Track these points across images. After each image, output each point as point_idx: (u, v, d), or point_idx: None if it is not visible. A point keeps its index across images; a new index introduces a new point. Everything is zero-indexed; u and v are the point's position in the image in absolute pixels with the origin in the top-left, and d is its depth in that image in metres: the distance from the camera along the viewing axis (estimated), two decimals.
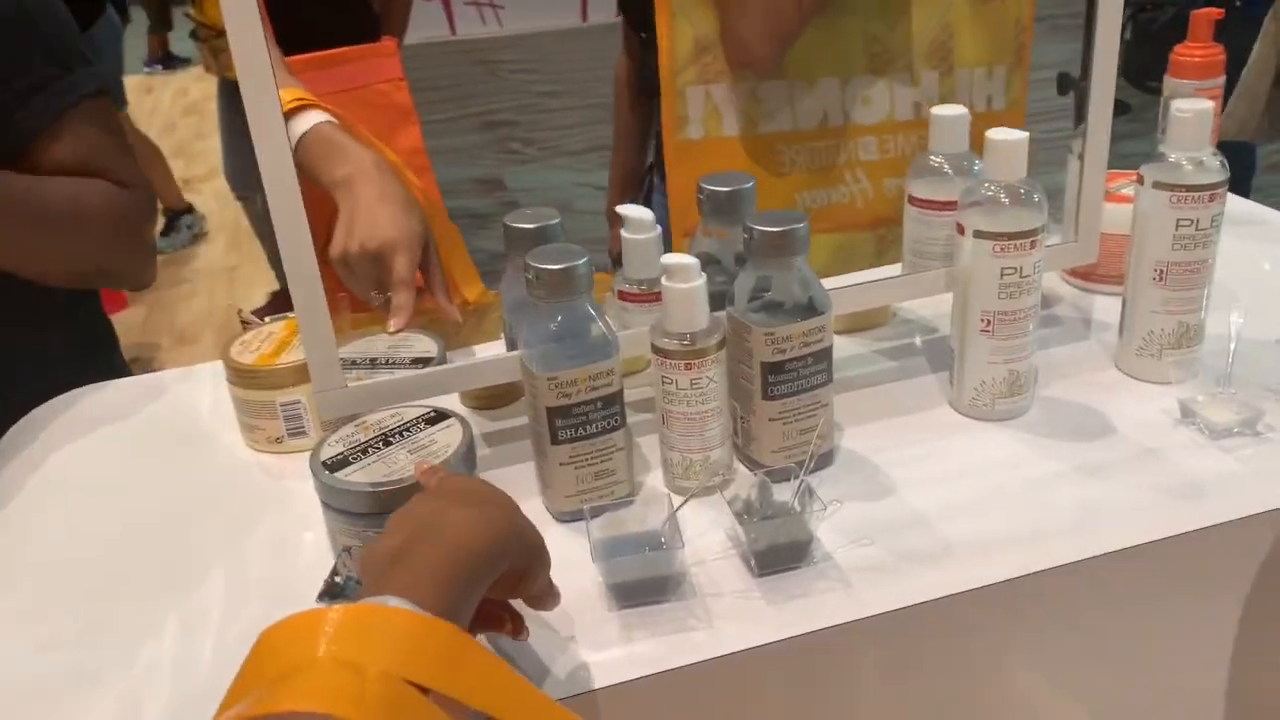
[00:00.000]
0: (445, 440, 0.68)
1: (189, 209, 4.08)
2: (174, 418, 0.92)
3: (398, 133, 1.05)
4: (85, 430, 0.92)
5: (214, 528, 0.76)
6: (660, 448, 0.75)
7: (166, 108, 5.99)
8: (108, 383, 0.99)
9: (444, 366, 0.77)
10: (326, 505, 0.66)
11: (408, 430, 0.70)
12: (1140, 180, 0.79)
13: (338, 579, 0.63)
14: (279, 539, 0.75)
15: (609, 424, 0.71)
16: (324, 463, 0.67)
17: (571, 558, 0.70)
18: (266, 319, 0.90)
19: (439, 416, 0.71)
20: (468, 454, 0.68)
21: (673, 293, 0.70)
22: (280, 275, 3.68)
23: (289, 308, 2.78)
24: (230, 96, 3.00)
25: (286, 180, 0.67)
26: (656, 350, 0.71)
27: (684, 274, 0.70)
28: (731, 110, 0.93)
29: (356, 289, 0.85)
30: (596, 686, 0.60)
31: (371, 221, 0.83)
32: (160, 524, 0.78)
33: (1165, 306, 0.80)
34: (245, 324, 0.90)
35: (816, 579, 0.66)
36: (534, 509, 0.75)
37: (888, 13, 0.95)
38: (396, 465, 0.66)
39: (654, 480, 0.77)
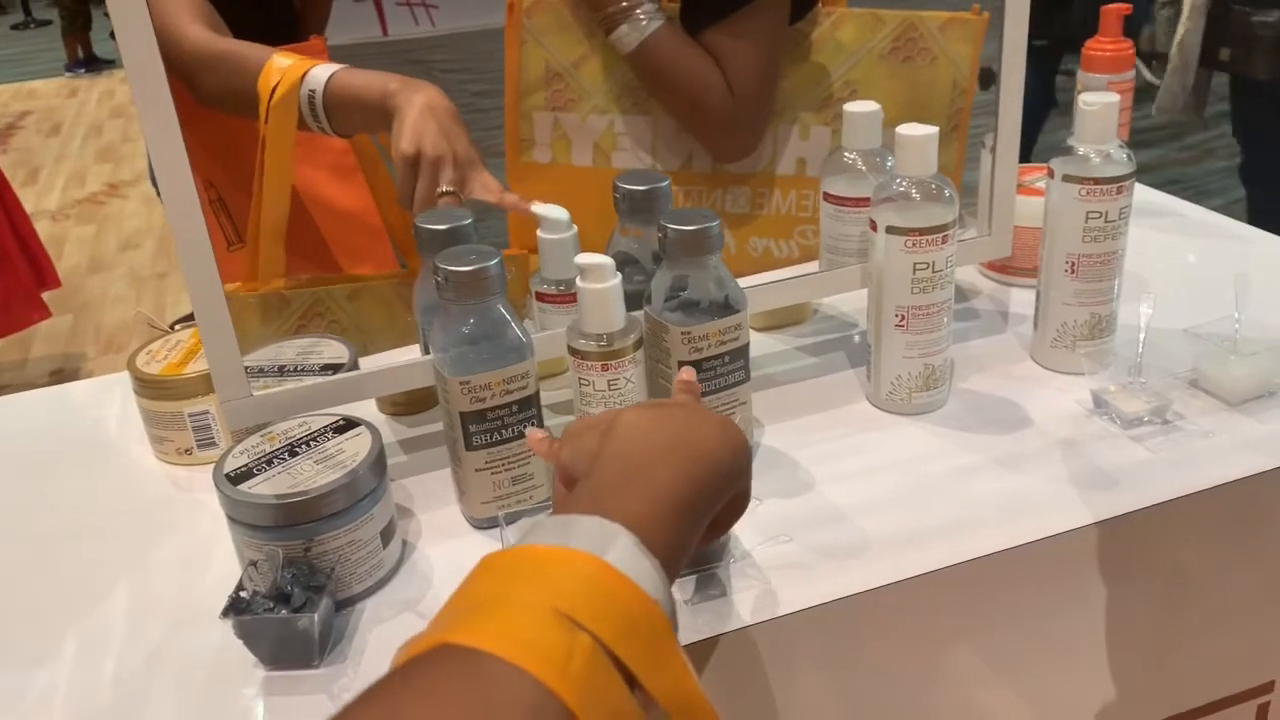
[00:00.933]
0: (353, 449, 0.67)
1: None
2: (82, 430, 0.89)
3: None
4: (22, 442, 0.89)
5: (118, 543, 0.74)
6: None
7: (92, 110, 5.85)
8: (13, 396, 0.96)
9: (355, 373, 0.76)
10: (231, 519, 0.64)
11: (315, 439, 0.68)
12: (1050, 174, 0.80)
13: (243, 594, 0.62)
14: (186, 554, 0.72)
15: (524, 428, 0.70)
16: (227, 475, 0.65)
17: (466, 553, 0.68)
18: (177, 326, 0.88)
19: (348, 425, 0.69)
20: (376, 462, 0.66)
21: (587, 293, 0.69)
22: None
23: None
24: None
25: (182, 179, 0.65)
26: (573, 351, 0.70)
27: (598, 274, 0.69)
28: (584, 140, 0.92)
29: (422, 188, 0.85)
30: None
31: (441, 122, 0.83)
32: (62, 541, 0.75)
33: (1077, 298, 0.81)
34: (154, 328, 0.87)
35: (735, 578, 0.66)
36: (452, 516, 0.73)
37: (788, 56, 0.93)
38: (301, 476, 0.64)
39: None
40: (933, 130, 0.74)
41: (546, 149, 0.93)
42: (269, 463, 0.66)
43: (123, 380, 0.94)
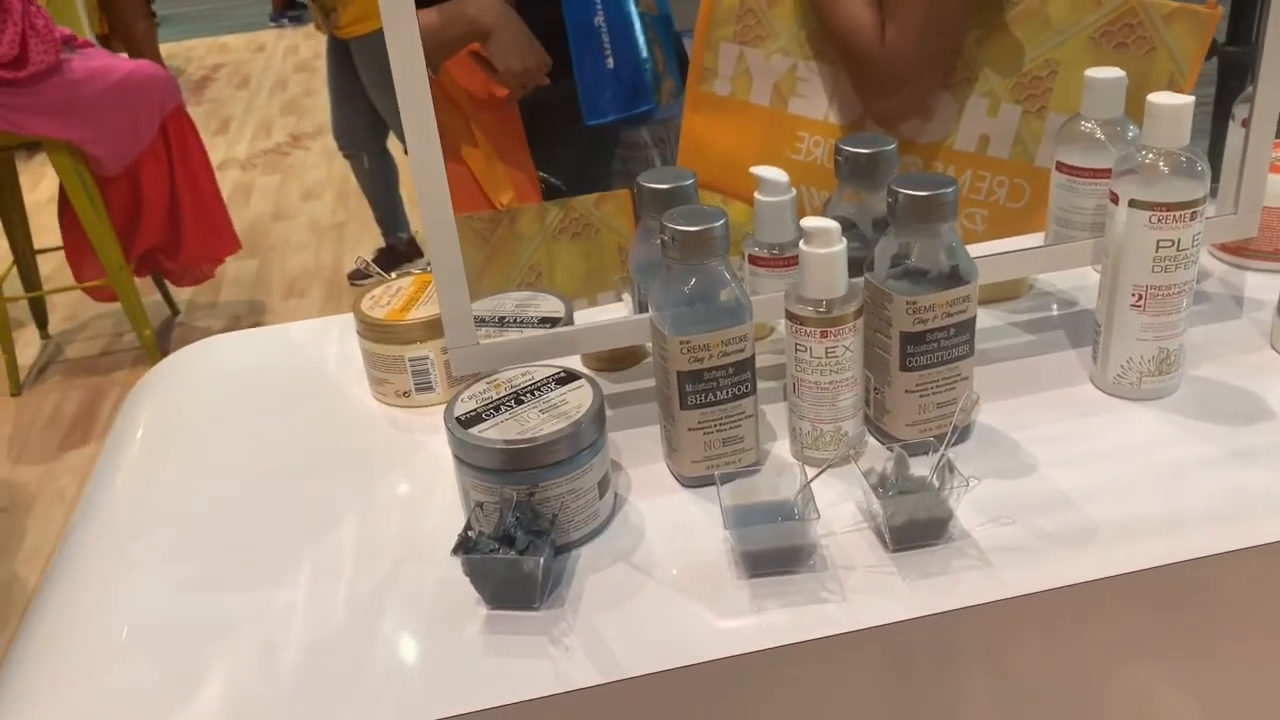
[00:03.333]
0: (576, 400, 0.68)
1: None
2: (303, 369, 0.93)
3: None
4: (217, 380, 0.94)
5: (344, 478, 0.78)
6: (789, 416, 0.74)
7: (278, 65, 6.12)
8: (237, 333, 1.02)
9: (573, 327, 0.77)
10: (460, 460, 0.67)
11: (539, 389, 0.69)
12: None
13: (470, 534, 0.64)
14: (408, 492, 0.76)
15: (739, 390, 0.70)
16: (458, 419, 0.67)
17: (698, 523, 0.69)
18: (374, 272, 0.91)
19: (569, 377, 0.71)
20: (598, 415, 0.67)
21: (811, 258, 0.68)
22: (387, 233, 3.72)
23: (393, 266, 2.89)
24: (338, 57, 3.04)
25: (429, 140, 0.67)
26: (791, 316, 0.70)
27: (824, 238, 0.68)
28: (764, 79, 0.90)
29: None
30: (730, 654, 0.59)
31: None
32: (292, 473, 0.79)
33: None
34: (362, 274, 0.91)
35: (954, 556, 0.64)
36: (659, 472, 0.74)
37: (984, 23, 0.89)
38: (529, 424, 0.66)
39: (780, 449, 0.76)
40: (1188, 100, 0.69)
41: (727, 82, 0.91)
42: (496, 409, 0.68)
43: (340, 322, 0.99)
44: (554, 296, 0.83)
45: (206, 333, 3.30)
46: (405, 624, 0.64)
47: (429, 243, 0.70)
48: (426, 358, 0.83)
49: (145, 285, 3.15)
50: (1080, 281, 0.91)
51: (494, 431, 0.66)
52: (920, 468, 0.67)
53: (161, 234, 2.93)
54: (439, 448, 0.79)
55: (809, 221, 0.68)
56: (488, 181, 0.99)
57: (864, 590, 0.62)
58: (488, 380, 0.71)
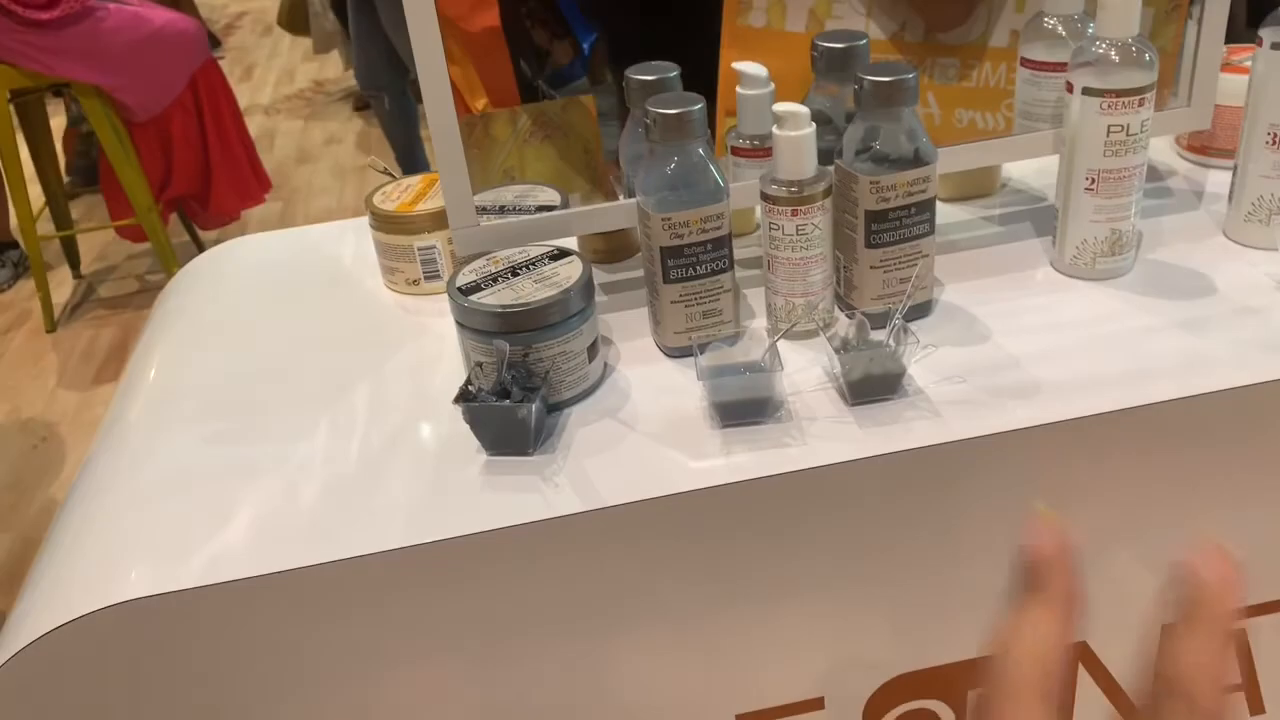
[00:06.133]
0: (567, 273, 0.74)
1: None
2: (321, 266, 1.01)
3: None
4: (242, 274, 1.02)
5: (358, 353, 0.85)
6: (765, 294, 0.80)
7: None
8: (262, 235, 1.09)
9: (566, 210, 0.83)
10: (461, 325, 0.73)
11: (533, 264, 0.76)
12: (1260, 42, 0.79)
13: (470, 387, 0.70)
14: (416, 362, 0.83)
15: (717, 265, 0.76)
16: (459, 288, 0.74)
17: (680, 386, 0.76)
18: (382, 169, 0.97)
19: (561, 254, 0.77)
20: (586, 285, 0.74)
21: (782, 140, 0.74)
22: (407, 172, 3.78)
23: None
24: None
25: (431, 33, 0.73)
26: (765, 198, 0.76)
27: (794, 121, 0.73)
28: (799, 5, 0.93)
29: None
30: (696, 487, 0.66)
31: None
32: (312, 349, 0.87)
33: (1277, 170, 0.80)
34: (386, 174, 0.97)
35: (906, 408, 0.71)
36: (647, 345, 0.81)
37: None
38: (523, 291, 0.72)
39: (757, 325, 0.82)
40: None
41: (762, 13, 0.96)
42: (494, 280, 0.74)
43: (354, 225, 1.06)
44: (551, 188, 0.89)
45: None
46: (413, 466, 0.71)
47: (432, 131, 0.76)
48: (434, 246, 0.90)
49: (174, 229, 3.23)
50: (1049, 179, 0.96)
51: (492, 298, 0.72)
52: (881, 335, 0.73)
53: (193, 184, 3.01)
54: (445, 328, 0.86)
55: (780, 106, 0.74)
56: (465, 88, 1.03)
57: (823, 436, 0.69)
58: (487, 257, 0.78)
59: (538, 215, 0.82)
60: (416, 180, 0.95)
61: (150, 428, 0.80)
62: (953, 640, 0.74)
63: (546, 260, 0.77)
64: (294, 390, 0.81)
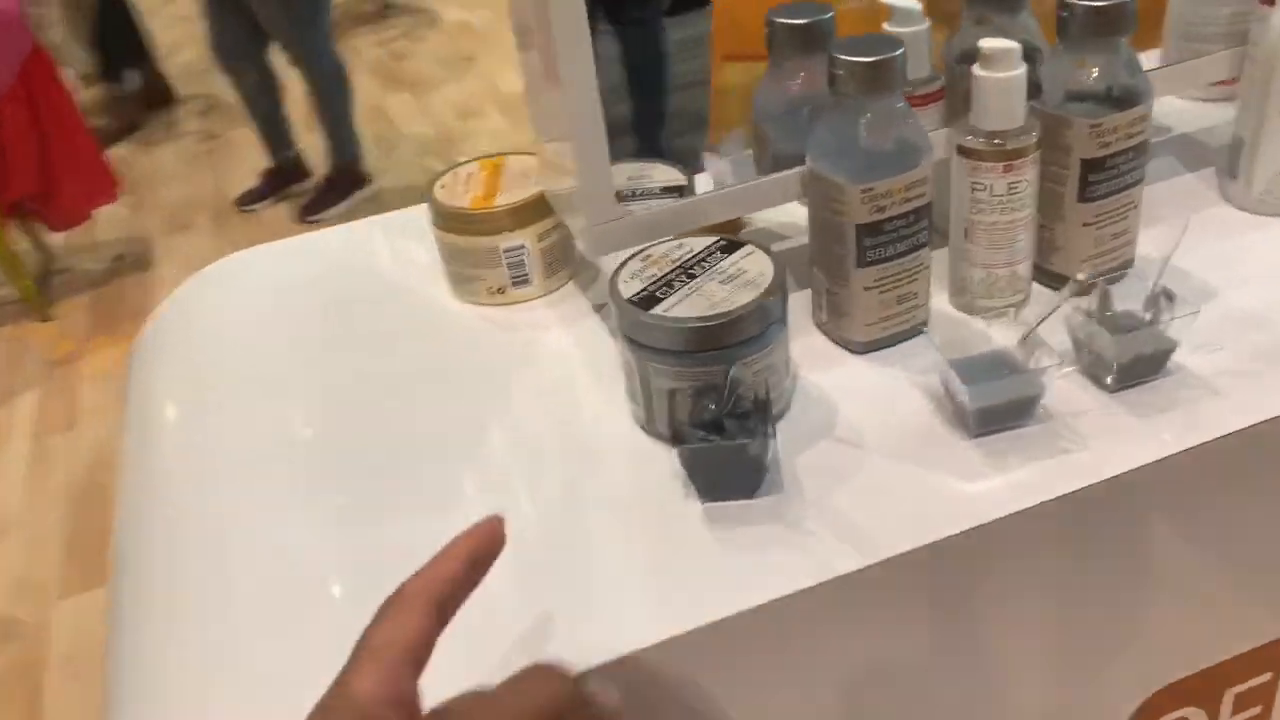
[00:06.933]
0: (756, 268, 0.61)
1: None
2: (359, 278, 0.83)
3: None
4: (258, 302, 0.83)
5: (459, 386, 0.69)
6: (952, 266, 0.69)
7: None
8: (260, 249, 0.90)
9: (728, 188, 0.69)
10: (641, 346, 0.59)
11: (704, 260, 0.62)
12: None
13: (680, 424, 0.57)
14: (542, 390, 0.68)
15: (918, 240, 0.64)
16: (631, 301, 0.59)
17: (887, 389, 0.64)
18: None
19: (732, 245, 0.63)
20: (783, 282, 0.61)
21: (989, 84, 0.62)
22: (274, 151, 3.50)
23: (282, 187, 2.72)
24: None
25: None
26: (967, 153, 0.64)
27: (1004, 60, 0.62)
28: None
29: None
30: (987, 520, 0.54)
31: None
32: (394, 388, 0.70)
33: None
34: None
35: (1177, 388, 0.61)
36: (815, 342, 0.68)
37: None
38: (716, 297, 0.59)
39: (937, 304, 0.71)
40: None
41: None
42: (668, 285, 0.60)
43: (379, 223, 0.89)
44: (663, 164, 0.75)
45: (92, 278, 3.06)
46: (610, 530, 0.57)
47: (565, 98, 0.61)
48: (522, 247, 0.75)
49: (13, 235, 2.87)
50: (1167, 107, 0.88)
51: (683, 308, 0.58)
52: (1124, 302, 0.63)
53: (33, 181, 2.69)
54: (558, 343, 0.71)
55: (987, 43, 0.62)
56: None
57: (1099, 435, 0.58)
58: (641, 258, 0.63)
59: (697, 198, 0.68)
60: (474, 167, 0.79)
61: (229, 518, 0.62)
62: (1228, 637, 0.66)
63: (718, 253, 0.63)
64: (402, 443, 0.65)
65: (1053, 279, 0.69)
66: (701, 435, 0.57)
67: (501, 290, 0.76)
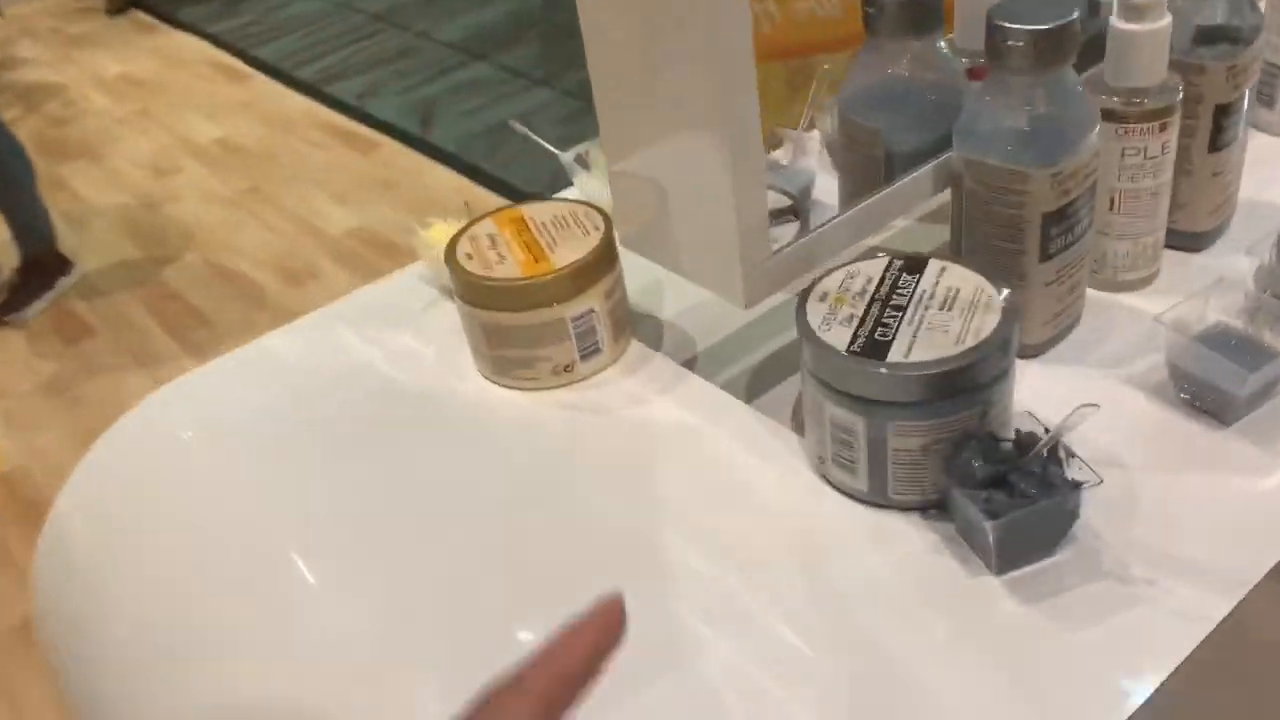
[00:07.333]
0: (964, 288, 0.51)
1: None
2: (358, 385, 0.65)
3: None
4: (232, 444, 0.63)
5: (597, 501, 0.55)
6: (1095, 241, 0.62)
7: None
8: (196, 374, 0.69)
9: (873, 197, 0.57)
10: (876, 404, 0.48)
11: (899, 289, 0.51)
12: None
13: (984, 493, 0.46)
14: (703, 486, 0.54)
15: (1090, 221, 0.57)
16: (855, 353, 0.48)
17: (1093, 391, 0.56)
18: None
19: (915, 263, 0.53)
20: (1015, 299, 0.51)
21: (1140, 37, 0.56)
22: (26, 243, 2.89)
23: (45, 285, 2.31)
24: None
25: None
26: (1115, 116, 0.57)
27: (1152, 9, 0.55)
28: None
29: None
30: None
31: None
32: (488, 513, 0.54)
33: None
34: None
35: None
36: None
37: None
38: (952, 329, 0.48)
39: None
40: None
41: None
42: (880, 326, 0.49)
43: (337, 312, 0.71)
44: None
45: None
46: (904, 636, 0.45)
47: (725, 120, 0.48)
48: (591, 312, 0.60)
49: None
50: None
51: (921, 351, 0.47)
52: None
53: None
54: (665, 414, 0.59)
55: None
56: None
57: None
58: (817, 299, 0.52)
59: (840, 219, 0.56)
60: (491, 227, 0.63)
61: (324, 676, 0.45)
62: None
63: (904, 276, 0.52)
64: (541, 568, 0.50)
65: (1174, 236, 0.64)
66: (985, 496, 0.46)
67: (569, 368, 0.61)
